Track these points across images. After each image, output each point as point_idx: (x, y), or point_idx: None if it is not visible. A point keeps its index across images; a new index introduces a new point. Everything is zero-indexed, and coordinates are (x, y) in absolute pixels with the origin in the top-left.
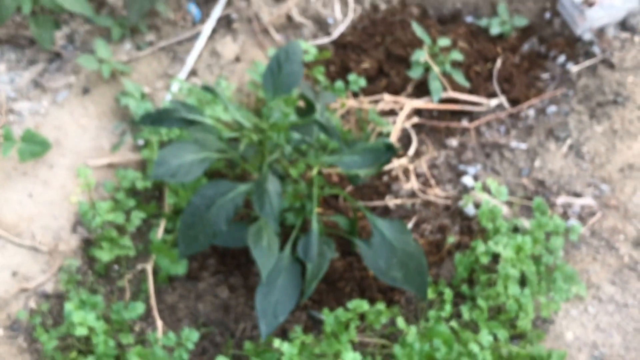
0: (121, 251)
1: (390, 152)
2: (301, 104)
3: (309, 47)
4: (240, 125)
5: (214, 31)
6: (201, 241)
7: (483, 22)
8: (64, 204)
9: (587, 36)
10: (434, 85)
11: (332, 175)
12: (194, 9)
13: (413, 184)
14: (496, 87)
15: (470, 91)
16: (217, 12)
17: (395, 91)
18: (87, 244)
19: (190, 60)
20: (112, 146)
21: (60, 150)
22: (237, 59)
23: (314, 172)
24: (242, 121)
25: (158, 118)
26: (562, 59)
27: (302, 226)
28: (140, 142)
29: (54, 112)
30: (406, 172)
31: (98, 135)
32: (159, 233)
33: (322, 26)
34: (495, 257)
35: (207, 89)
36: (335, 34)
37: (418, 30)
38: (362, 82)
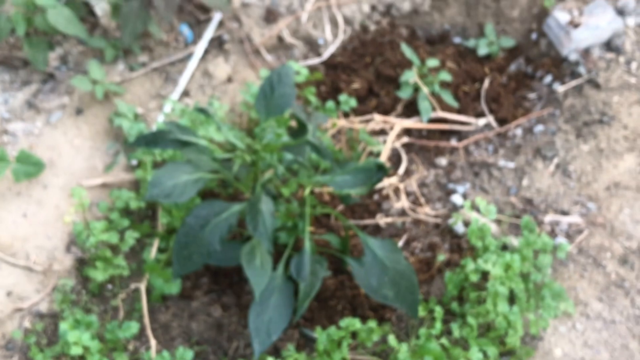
0: (115, 271)
1: (381, 171)
2: (293, 124)
3: (300, 68)
4: (233, 146)
5: (206, 52)
6: (195, 261)
7: (471, 43)
8: (58, 224)
9: (573, 57)
10: (423, 105)
11: (324, 194)
12: (186, 31)
13: (403, 202)
14: (484, 106)
15: (459, 111)
16: (209, 33)
17: (385, 111)
18: (81, 264)
19: (183, 81)
20: (105, 166)
21: (54, 170)
22: (229, 80)
23: (306, 191)
24: (236, 142)
25: (153, 140)
26: (548, 79)
27: (294, 245)
28: (134, 162)
29: (47, 132)
30: (396, 191)
31: (91, 155)
32: (152, 252)
33: (313, 47)
34: (485, 275)
35: (200, 110)
36: (326, 54)
37: (407, 51)
38: (353, 102)
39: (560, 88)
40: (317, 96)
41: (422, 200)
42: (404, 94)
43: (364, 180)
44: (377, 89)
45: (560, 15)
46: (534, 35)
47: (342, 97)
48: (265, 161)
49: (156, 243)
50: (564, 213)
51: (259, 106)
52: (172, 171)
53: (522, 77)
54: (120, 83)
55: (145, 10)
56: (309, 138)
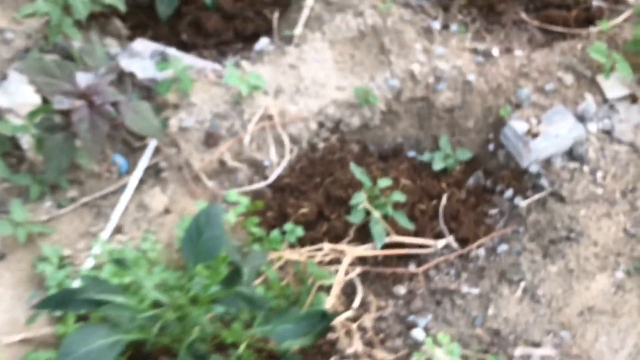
0: None
1: (326, 320)
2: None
3: (240, 197)
4: (157, 301)
5: (142, 182)
6: None
7: (425, 156)
8: None
9: (534, 168)
10: (376, 230)
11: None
12: (119, 160)
13: (357, 346)
14: (443, 226)
15: (416, 233)
16: (144, 161)
17: (337, 236)
18: None
19: (115, 216)
20: (27, 319)
21: None
22: (167, 211)
23: (241, 349)
24: (159, 297)
25: (62, 301)
26: (509, 193)
27: None
28: (58, 313)
29: None
30: (349, 333)
31: (13, 306)
32: None
33: (258, 169)
34: None
35: (117, 262)
36: (272, 177)
37: (357, 172)
38: (299, 231)
39: (522, 203)
40: (264, 223)
41: (379, 338)
42: (355, 218)
43: (308, 330)
44: (328, 212)
45: (517, 125)
46: (491, 146)
47: (288, 227)
48: (191, 317)
49: None
50: (536, 345)
51: (185, 252)
52: (85, 335)
53: (481, 192)
54: (46, 222)
55: (70, 143)
56: (240, 288)
